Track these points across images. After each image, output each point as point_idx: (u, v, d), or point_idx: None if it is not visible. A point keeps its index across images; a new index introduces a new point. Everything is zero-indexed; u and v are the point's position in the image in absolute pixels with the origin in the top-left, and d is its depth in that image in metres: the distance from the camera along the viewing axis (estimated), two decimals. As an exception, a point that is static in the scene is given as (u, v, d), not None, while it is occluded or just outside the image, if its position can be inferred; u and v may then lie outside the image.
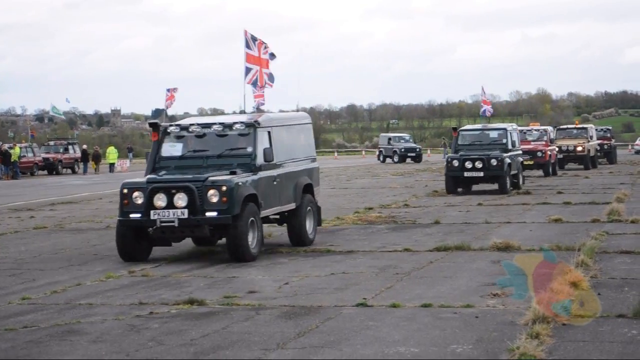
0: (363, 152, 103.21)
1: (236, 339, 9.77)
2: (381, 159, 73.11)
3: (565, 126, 54.71)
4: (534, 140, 43.21)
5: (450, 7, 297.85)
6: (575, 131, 50.98)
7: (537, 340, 8.89)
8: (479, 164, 30.66)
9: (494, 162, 30.64)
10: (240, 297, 12.30)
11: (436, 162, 66.31)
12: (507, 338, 9.30)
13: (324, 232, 20.23)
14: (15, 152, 58.37)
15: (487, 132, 33.53)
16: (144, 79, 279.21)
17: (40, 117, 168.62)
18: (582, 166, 48.39)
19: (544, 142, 43.00)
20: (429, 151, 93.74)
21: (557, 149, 45.46)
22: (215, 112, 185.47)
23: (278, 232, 19.68)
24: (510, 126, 34.59)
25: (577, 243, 16.29)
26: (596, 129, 57.78)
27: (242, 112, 22.27)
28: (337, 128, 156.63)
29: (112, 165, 66.50)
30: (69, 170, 66.07)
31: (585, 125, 52.96)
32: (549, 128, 46.63)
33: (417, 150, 73.20)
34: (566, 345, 9.03)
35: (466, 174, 30.90)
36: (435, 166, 58.54)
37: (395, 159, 71.29)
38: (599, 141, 54.65)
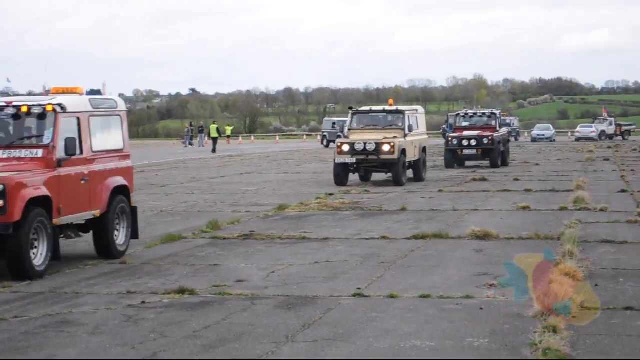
0: (304, 137, 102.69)
1: (241, 331, 9.47)
2: (324, 143, 71.58)
3: (367, 108, 31.61)
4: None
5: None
6: (390, 117, 29.93)
7: (557, 334, 8.69)
8: None
9: None
10: (230, 286, 12.01)
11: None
12: (521, 331, 9.14)
13: (291, 217, 20.01)
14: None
15: None
16: (81, 59, 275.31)
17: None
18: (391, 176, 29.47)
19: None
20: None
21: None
22: (151, 93, 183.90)
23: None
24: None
25: (554, 232, 16.34)
26: (469, 114, 39.59)
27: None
28: (273, 111, 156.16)
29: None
30: None
31: (402, 108, 30.47)
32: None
33: (360, 134, 72.47)
34: (585, 339, 8.87)
35: None
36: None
37: (339, 144, 69.81)
38: (476, 132, 37.41)
